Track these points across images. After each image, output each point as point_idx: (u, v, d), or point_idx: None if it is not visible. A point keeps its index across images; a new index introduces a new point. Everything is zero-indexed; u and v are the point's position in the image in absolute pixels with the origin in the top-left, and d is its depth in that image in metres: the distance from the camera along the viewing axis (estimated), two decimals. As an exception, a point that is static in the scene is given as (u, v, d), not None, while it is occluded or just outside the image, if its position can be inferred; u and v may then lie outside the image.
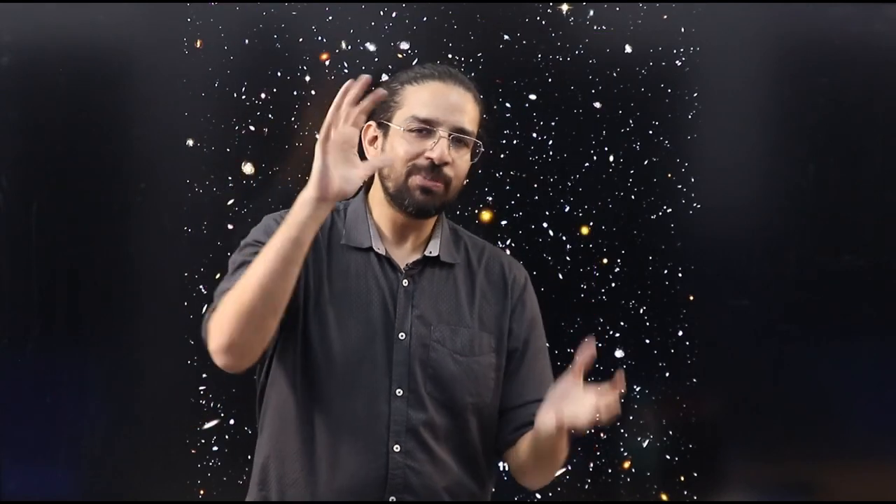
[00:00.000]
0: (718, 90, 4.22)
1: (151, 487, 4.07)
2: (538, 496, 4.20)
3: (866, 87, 4.26)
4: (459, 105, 2.73)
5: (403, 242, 2.78)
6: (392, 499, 2.68)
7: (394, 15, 4.11)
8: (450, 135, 2.70)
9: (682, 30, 4.21)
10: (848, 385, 4.27)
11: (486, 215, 4.18)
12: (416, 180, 2.70)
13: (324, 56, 4.09)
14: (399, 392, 2.70)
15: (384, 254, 2.74)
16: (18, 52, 4.01)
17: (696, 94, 4.22)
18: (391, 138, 2.73)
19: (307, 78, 4.07)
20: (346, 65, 4.09)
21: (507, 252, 4.19)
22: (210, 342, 2.60)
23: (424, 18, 4.13)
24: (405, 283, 2.74)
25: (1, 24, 4.00)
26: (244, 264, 2.66)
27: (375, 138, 2.76)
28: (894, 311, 4.28)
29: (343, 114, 2.50)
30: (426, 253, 2.77)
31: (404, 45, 4.12)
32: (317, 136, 2.54)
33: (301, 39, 4.09)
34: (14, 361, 4.03)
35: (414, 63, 4.13)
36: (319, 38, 4.09)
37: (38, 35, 4.02)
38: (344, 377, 2.68)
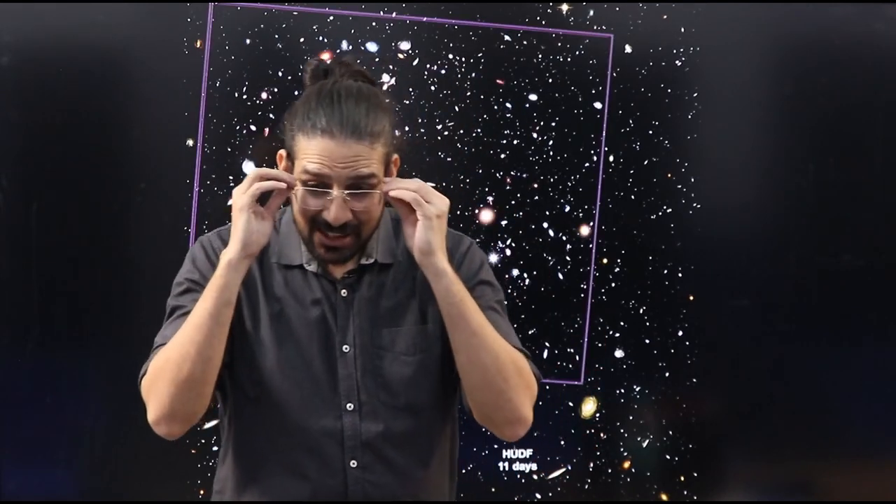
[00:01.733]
0: (718, 90, 4.23)
1: (151, 487, 4.07)
2: (538, 496, 4.20)
3: (866, 87, 4.26)
4: (351, 156, 2.54)
5: None
6: None
7: (394, 15, 4.11)
8: (344, 191, 2.55)
9: (682, 30, 4.21)
10: (848, 385, 4.28)
11: (486, 215, 4.18)
12: (319, 238, 2.60)
13: (325, 56, 4.09)
14: (350, 406, 2.63)
15: (316, 270, 2.66)
16: (18, 52, 4.01)
17: (696, 94, 4.22)
18: (296, 188, 2.61)
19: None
20: (346, 65, 4.08)
21: (508, 251, 4.20)
22: (150, 412, 2.57)
23: (424, 18, 4.13)
24: (343, 293, 2.66)
25: (1, 24, 4.00)
26: (176, 310, 2.64)
27: (288, 167, 2.64)
28: (894, 311, 4.28)
29: (265, 185, 2.54)
30: (362, 261, 2.67)
31: (405, 46, 4.12)
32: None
33: (302, 39, 4.08)
34: (14, 361, 4.02)
35: (414, 62, 4.13)
36: (320, 38, 4.09)
37: (38, 35, 4.02)
38: (293, 398, 2.62)
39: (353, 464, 2.63)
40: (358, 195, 2.57)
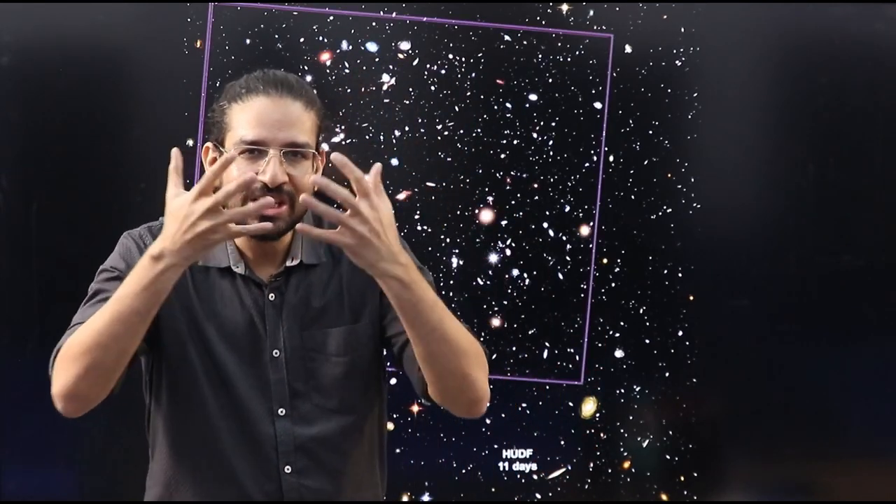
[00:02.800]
0: (718, 90, 4.23)
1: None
2: (538, 496, 4.20)
3: (866, 87, 4.26)
4: (287, 118, 2.56)
5: (266, 258, 2.66)
6: None
7: (394, 15, 4.11)
8: (280, 151, 2.54)
9: (682, 30, 4.21)
10: (848, 385, 4.28)
11: (486, 215, 4.18)
12: (253, 207, 2.52)
13: (324, 56, 4.10)
14: (281, 412, 2.62)
15: (244, 272, 2.63)
16: (18, 52, 4.01)
17: (696, 94, 4.22)
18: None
19: (308, 78, 4.07)
20: (346, 65, 4.09)
21: (508, 251, 4.20)
22: (53, 386, 2.50)
23: (424, 18, 4.13)
24: (271, 297, 2.64)
25: (1, 24, 4.00)
26: (99, 293, 2.59)
27: (215, 160, 2.66)
28: (894, 311, 4.28)
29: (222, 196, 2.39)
30: (287, 263, 2.65)
31: (405, 46, 4.12)
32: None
33: (302, 39, 4.09)
34: (14, 361, 4.02)
35: (414, 62, 4.14)
36: (320, 38, 4.09)
37: (38, 35, 4.02)
38: (224, 405, 2.61)
39: (288, 469, 2.62)
40: (292, 160, 2.55)
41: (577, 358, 4.21)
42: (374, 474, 2.73)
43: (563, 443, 4.21)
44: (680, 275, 4.23)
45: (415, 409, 4.15)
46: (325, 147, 2.67)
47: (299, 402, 2.63)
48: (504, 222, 4.18)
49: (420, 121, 4.13)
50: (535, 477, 4.20)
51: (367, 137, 4.10)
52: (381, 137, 4.11)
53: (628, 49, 4.20)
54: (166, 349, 2.62)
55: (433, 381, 2.56)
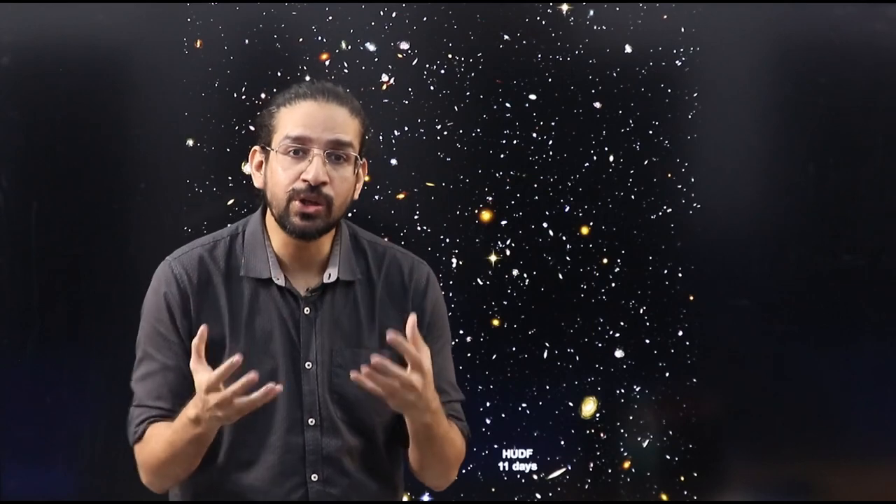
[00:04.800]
0: (718, 90, 4.22)
1: (151, 487, 4.07)
2: (538, 496, 4.20)
3: (866, 87, 4.26)
4: (332, 120, 2.70)
5: (303, 266, 2.76)
6: None
7: (394, 15, 4.11)
8: (324, 152, 2.68)
9: (682, 30, 4.21)
10: (848, 385, 4.27)
11: (486, 215, 4.18)
12: (296, 206, 2.68)
13: (324, 56, 4.10)
14: (311, 422, 2.70)
15: (283, 284, 2.73)
16: (18, 52, 4.01)
17: (696, 94, 4.22)
18: (272, 162, 2.72)
19: (307, 78, 4.07)
20: (345, 65, 4.09)
21: (508, 251, 4.20)
22: (139, 470, 2.74)
23: (424, 18, 4.13)
24: (306, 311, 2.73)
25: (1, 24, 4.00)
26: (146, 359, 2.73)
27: (261, 163, 2.77)
28: (894, 311, 4.27)
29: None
30: (325, 279, 2.75)
31: (404, 45, 4.12)
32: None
33: (301, 39, 4.09)
34: (14, 361, 4.03)
35: (414, 62, 4.14)
36: (319, 38, 4.09)
37: (38, 35, 4.02)
38: (255, 414, 2.65)
39: (315, 477, 2.70)
40: (335, 163, 2.68)
41: (577, 358, 4.21)
42: (394, 486, 2.82)
43: (563, 443, 4.21)
44: (680, 275, 4.23)
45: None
46: (364, 160, 2.76)
47: (327, 413, 2.71)
48: (504, 222, 4.18)
49: (419, 121, 4.13)
50: (535, 477, 4.20)
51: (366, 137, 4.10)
52: (381, 137, 4.11)
53: (628, 49, 4.20)
54: (187, 358, 2.66)
55: (419, 467, 2.77)
